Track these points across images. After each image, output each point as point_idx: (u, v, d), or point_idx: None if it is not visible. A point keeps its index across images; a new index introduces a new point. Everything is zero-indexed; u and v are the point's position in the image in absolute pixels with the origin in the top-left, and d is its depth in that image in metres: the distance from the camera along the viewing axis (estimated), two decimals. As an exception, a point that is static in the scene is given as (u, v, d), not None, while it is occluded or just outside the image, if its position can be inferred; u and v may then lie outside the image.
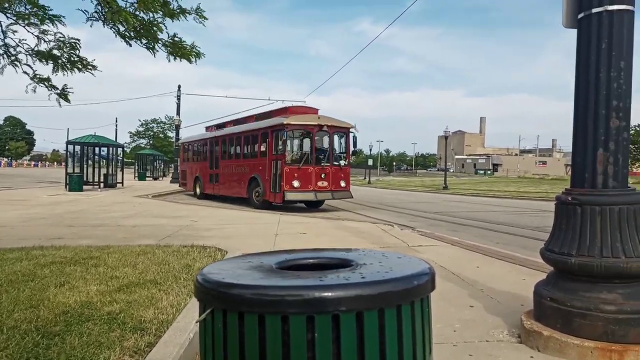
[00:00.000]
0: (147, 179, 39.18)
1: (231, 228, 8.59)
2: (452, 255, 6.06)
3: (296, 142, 14.73)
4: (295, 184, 13.36)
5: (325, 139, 14.39)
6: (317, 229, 8.69)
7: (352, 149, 14.95)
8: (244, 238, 7.29)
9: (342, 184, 14.32)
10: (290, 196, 13.36)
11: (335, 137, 14.46)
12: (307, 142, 14.47)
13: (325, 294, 1.08)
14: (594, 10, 2.83)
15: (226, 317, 1.13)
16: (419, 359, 1.19)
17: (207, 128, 21.17)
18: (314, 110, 15.27)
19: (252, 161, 15.56)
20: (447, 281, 4.56)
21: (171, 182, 31.82)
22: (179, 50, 5.37)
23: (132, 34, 5.26)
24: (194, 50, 5.45)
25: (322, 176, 13.82)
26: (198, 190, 19.59)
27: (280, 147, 13.53)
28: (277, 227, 8.80)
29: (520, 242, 8.03)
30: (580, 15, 2.94)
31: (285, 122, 13.49)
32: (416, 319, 1.19)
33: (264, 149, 14.85)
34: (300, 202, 14.58)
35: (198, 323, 1.25)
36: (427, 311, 1.26)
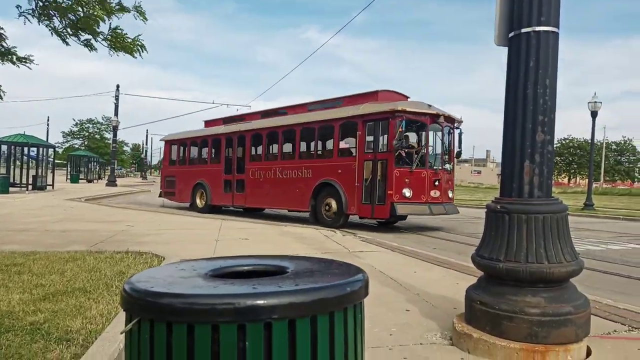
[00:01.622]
0: (80, 181, 37.25)
1: (170, 233, 8.33)
2: (391, 260, 6.20)
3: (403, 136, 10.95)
4: (407, 193, 10.17)
5: (434, 135, 11.29)
6: (259, 235, 8.61)
7: (456, 149, 11.66)
8: (184, 244, 7.08)
9: (450, 194, 11.37)
10: (401, 209, 10.10)
11: (446, 133, 11.46)
12: (415, 137, 11.33)
13: (258, 302, 1.07)
14: (523, 30, 3.01)
15: (153, 327, 1.09)
16: (350, 365, 1.20)
17: (208, 123, 17.17)
18: (403, 96, 12.07)
19: (320, 162, 11.87)
20: (386, 286, 4.65)
21: (107, 185, 30.42)
22: (121, 43, 5.15)
23: (69, 30, 5.00)
24: (136, 43, 5.25)
25: (435, 183, 10.70)
26: (200, 201, 15.55)
27: (396, 143, 10.01)
28: (219, 232, 8.63)
29: (456, 248, 8.35)
30: (510, 34, 3.11)
31: (400, 108, 10.28)
32: (349, 325, 1.21)
33: (346, 146, 11.77)
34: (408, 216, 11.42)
35: (124, 334, 1.19)
36: (360, 317, 1.28)
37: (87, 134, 78.18)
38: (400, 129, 10.02)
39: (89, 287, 4.05)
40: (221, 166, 14.97)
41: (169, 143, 17.74)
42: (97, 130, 78.19)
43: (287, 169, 12.70)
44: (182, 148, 17.17)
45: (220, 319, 1.06)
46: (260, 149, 14.16)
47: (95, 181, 40.48)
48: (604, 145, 76.21)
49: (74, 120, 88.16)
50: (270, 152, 13.93)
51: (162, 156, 19.64)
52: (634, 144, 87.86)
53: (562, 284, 2.90)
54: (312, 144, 12.59)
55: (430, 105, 10.86)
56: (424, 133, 10.99)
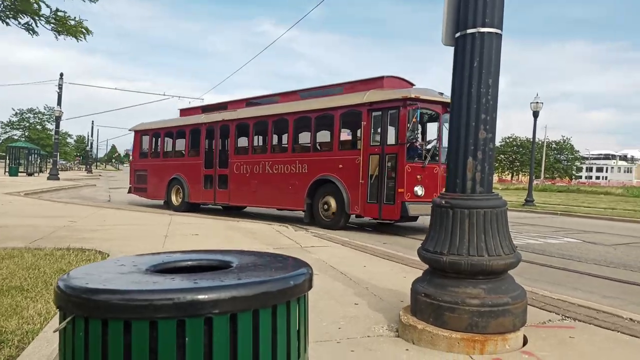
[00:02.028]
0: (20, 174, 35.26)
1: (116, 229, 8.04)
2: (342, 255, 6.27)
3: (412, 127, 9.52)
4: (419, 191, 9.12)
5: (440, 127, 9.88)
6: (210, 230, 8.48)
7: None
8: (130, 240, 6.86)
9: None
10: (413, 209, 9.07)
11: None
12: (427, 129, 10.40)
13: (198, 296, 1.06)
14: (469, 30, 3.11)
15: (88, 325, 1.06)
16: (292, 358, 1.21)
17: (184, 111, 15.65)
18: (409, 83, 10.69)
19: (318, 156, 10.71)
20: (336, 280, 4.71)
21: (49, 178, 28.93)
22: (64, 26, 4.92)
23: (7, 13, 4.71)
24: (80, 26, 5.02)
25: None
26: (175, 198, 14.12)
27: (410, 135, 8.99)
28: (168, 228, 8.43)
29: (404, 242, 8.55)
30: (457, 35, 3.21)
31: (413, 96, 9.18)
32: (292, 318, 1.22)
33: (349, 138, 11.00)
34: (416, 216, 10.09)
35: (58, 333, 1.15)
36: (304, 310, 1.29)
37: (27, 124, 74.04)
38: (414, 119, 8.90)
39: (26, 285, 3.86)
40: (201, 159, 13.52)
41: (139, 133, 15.99)
42: (39, 121, 74.22)
43: (279, 163, 11.43)
44: (155, 139, 15.46)
45: (158, 314, 1.04)
46: (246, 141, 12.76)
47: (36, 174, 38.44)
48: (545, 144, 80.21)
49: (14, 110, 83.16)
50: (259, 144, 12.82)
51: (127, 148, 19.43)
52: (572, 142, 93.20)
53: (501, 275, 3.04)
54: (308, 135, 11.29)
55: (441, 94, 9.61)
56: (437, 124, 9.79)
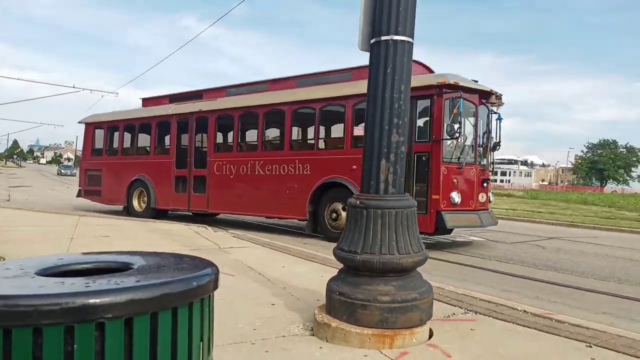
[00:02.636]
0: None
1: (16, 231, 7.39)
2: (261, 255, 6.24)
3: (447, 121, 7.81)
4: (455, 197, 7.79)
5: (477, 119, 8.56)
6: (123, 231, 8.05)
7: (494, 139, 8.82)
8: (31, 243, 6.34)
9: (491, 197, 9.07)
10: (452, 220, 7.71)
11: (491, 118, 8.78)
12: (462, 123, 8.19)
13: (89, 300, 1.00)
14: (383, 37, 3.23)
15: (-40, 335, 0.96)
16: (194, 361, 1.18)
17: (147, 101, 13.56)
18: (428, 69, 9.03)
19: (324, 155, 9.15)
20: (254, 281, 4.67)
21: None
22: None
23: None
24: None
25: (484, 184, 8.49)
26: (138, 203, 12.24)
27: (450, 130, 7.52)
28: (75, 230, 7.89)
29: (324, 243, 8.69)
30: (372, 41, 3.32)
31: (452, 82, 7.71)
32: (194, 320, 1.19)
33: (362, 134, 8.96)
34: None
35: None
36: (208, 311, 1.26)
37: None
38: (456, 110, 7.46)
39: None
40: (171, 158, 11.67)
41: (91, 126, 13.76)
42: None
43: (273, 163, 9.68)
44: (111, 133, 13.34)
45: (44, 320, 0.97)
46: (230, 136, 11.37)
47: None
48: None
49: None
50: (246, 140, 11.16)
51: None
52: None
53: (410, 272, 3.19)
54: (311, 130, 9.87)
55: (476, 81, 8.32)
56: (472, 119, 8.49)
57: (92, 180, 13.48)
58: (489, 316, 3.66)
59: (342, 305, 3.12)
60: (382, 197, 3.22)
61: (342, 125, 9.05)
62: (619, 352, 2.88)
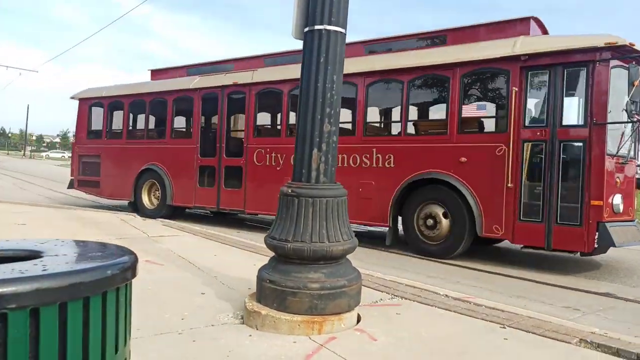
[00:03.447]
0: None
1: None
2: (192, 244, 6.11)
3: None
4: (620, 204, 5.89)
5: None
6: (42, 219, 7.56)
7: None
8: None
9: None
10: (619, 235, 5.69)
11: None
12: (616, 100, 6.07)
13: (-12, 290, 0.93)
14: (316, 27, 3.24)
15: None
16: (109, 351, 1.15)
17: (157, 73, 11.19)
18: (544, 28, 7.13)
19: (417, 143, 7.19)
20: (184, 270, 4.57)
21: None
22: None
23: None
24: None
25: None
26: (149, 199, 10.15)
27: (629, 109, 5.73)
28: (-13, 217, 7.30)
29: (261, 232, 8.66)
30: (306, 29, 3.32)
31: (627, 44, 5.75)
32: (108, 310, 1.15)
33: (480, 114, 6.98)
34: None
35: None
36: (125, 301, 1.22)
37: None
38: (636, 82, 5.60)
39: None
40: (194, 143, 9.49)
41: (87, 103, 11.35)
42: None
43: (339, 151, 6.88)
44: (113, 112, 11.06)
45: None
46: (278, 117, 9.12)
47: None
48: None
49: None
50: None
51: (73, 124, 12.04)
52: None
53: (340, 260, 3.25)
54: (396, 110, 7.63)
55: (632, 44, 5.98)
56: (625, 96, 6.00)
57: (88, 169, 11.13)
58: (414, 301, 3.82)
59: (273, 293, 3.13)
60: (314, 185, 3.25)
61: (442, 103, 6.99)
62: (529, 331, 3.12)
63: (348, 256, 3.33)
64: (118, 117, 11.03)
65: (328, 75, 3.26)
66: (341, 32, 3.28)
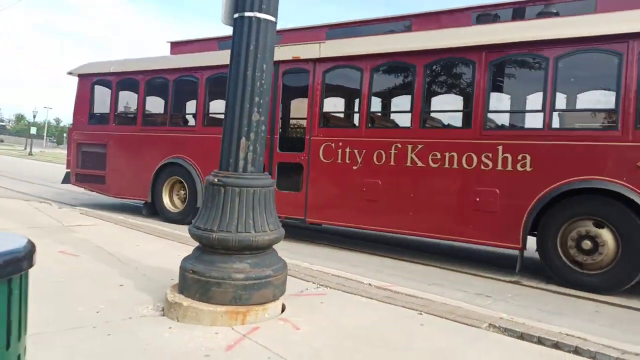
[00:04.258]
0: None
1: None
2: (112, 234, 5.82)
3: None
4: None
5: None
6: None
7: None
8: None
9: None
10: None
11: None
12: None
13: None
14: (247, 13, 3.18)
15: None
16: None
17: (178, 46, 9.31)
18: None
19: (566, 138, 5.33)
20: (101, 261, 4.35)
21: None
22: None
23: None
24: None
25: None
26: (171, 200, 8.40)
27: None
28: None
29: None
30: (235, 15, 3.25)
31: None
32: None
33: None
34: None
35: None
36: (19, 293, 1.13)
37: None
38: None
39: None
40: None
41: (89, 80, 9.44)
42: None
43: (446, 149, 5.91)
44: (124, 91, 9.14)
45: None
46: (355, 103, 7.40)
47: None
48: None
49: None
50: (386, 109, 7.65)
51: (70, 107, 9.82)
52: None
53: (266, 250, 3.24)
54: (536, 96, 5.83)
55: None
56: None
57: (91, 161, 9.21)
58: (338, 290, 3.90)
59: (196, 283, 3.06)
60: (241, 175, 3.21)
61: (611, 89, 5.34)
62: (442, 317, 3.29)
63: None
64: (131, 98, 9.10)
65: (258, 63, 3.22)
66: (271, 21, 3.25)
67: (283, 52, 6.93)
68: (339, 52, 6.87)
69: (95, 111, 9.52)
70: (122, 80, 9.05)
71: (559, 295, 4.89)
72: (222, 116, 7.79)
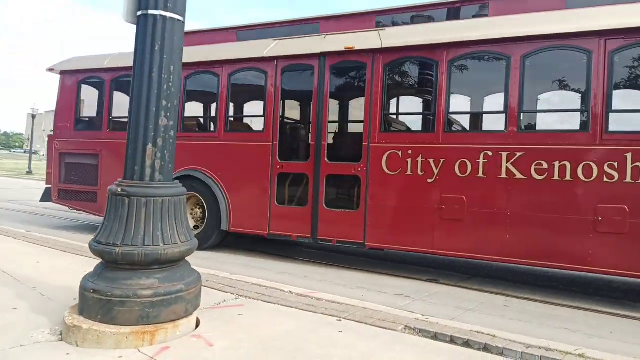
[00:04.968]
0: None
1: None
2: (12, 250, 5.30)
3: None
4: None
5: None
6: None
7: None
8: None
9: None
10: None
11: None
12: None
13: None
14: (150, 11, 2.99)
15: None
16: None
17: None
18: None
19: None
20: (-7, 282, 3.91)
21: None
22: None
23: None
24: None
25: None
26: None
27: None
28: None
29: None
30: (139, 13, 3.04)
31: None
32: None
33: None
34: None
35: None
36: None
37: None
38: None
39: None
40: (268, 140, 6.46)
41: (76, 78, 8.04)
42: None
43: (553, 157, 4.98)
44: (120, 92, 7.69)
45: None
46: (429, 103, 6.09)
47: None
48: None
49: None
50: (470, 109, 6.50)
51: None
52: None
53: (177, 263, 3.06)
54: None
55: None
56: None
57: (78, 174, 7.81)
58: (259, 300, 3.79)
59: (97, 304, 2.82)
60: (148, 184, 3.01)
61: None
62: (361, 322, 3.29)
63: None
64: (128, 99, 7.52)
65: (164, 65, 3.04)
66: (178, 20, 3.08)
67: (330, 43, 6.06)
68: (406, 41, 5.74)
69: (83, 115, 8.27)
70: (119, 78, 7.60)
71: (472, 292, 5.10)
72: (249, 119, 6.60)
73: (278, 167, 6.32)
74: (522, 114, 5.19)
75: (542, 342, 2.97)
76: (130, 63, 6.58)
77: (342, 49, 5.97)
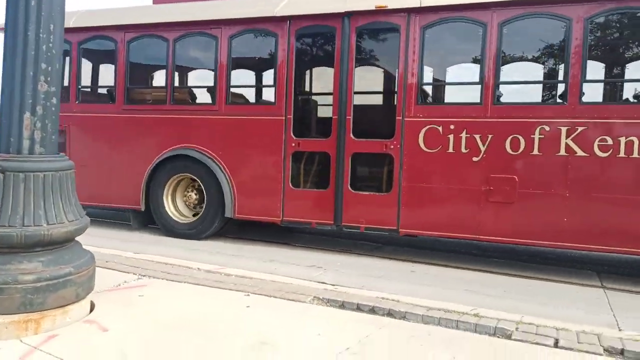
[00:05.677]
0: None
1: None
2: None
3: None
4: None
5: None
6: None
7: None
8: None
9: None
10: None
11: None
12: None
13: None
14: (23, -40, 2.61)
15: None
16: None
17: None
18: None
19: None
20: None
21: None
22: None
23: None
24: None
25: None
26: (174, 206, 6.17)
27: None
28: None
29: None
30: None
31: None
32: None
33: None
34: None
35: None
36: None
37: None
38: None
39: None
40: (279, 113, 5.57)
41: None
42: None
43: None
44: (90, 57, 6.68)
45: None
46: (474, 71, 5.16)
47: None
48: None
49: None
50: (528, 78, 5.65)
51: None
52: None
53: (65, 244, 2.79)
54: None
55: None
56: None
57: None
58: (163, 279, 3.61)
59: (-31, 293, 2.49)
60: (27, 157, 2.69)
61: None
62: (270, 296, 3.24)
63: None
64: (104, 66, 6.69)
65: (42, 23, 2.70)
66: (55, -27, 2.72)
67: (357, 1, 5.28)
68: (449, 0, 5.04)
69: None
70: (88, 40, 6.54)
71: (381, 260, 5.26)
72: (255, 90, 6.09)
73: (293, 144, 5.54)
74: (582, 83, 4.59)
75: (442, 304, 3.11)
76: (101, 22, 5.84)
77: (372, 8, 5.21)
